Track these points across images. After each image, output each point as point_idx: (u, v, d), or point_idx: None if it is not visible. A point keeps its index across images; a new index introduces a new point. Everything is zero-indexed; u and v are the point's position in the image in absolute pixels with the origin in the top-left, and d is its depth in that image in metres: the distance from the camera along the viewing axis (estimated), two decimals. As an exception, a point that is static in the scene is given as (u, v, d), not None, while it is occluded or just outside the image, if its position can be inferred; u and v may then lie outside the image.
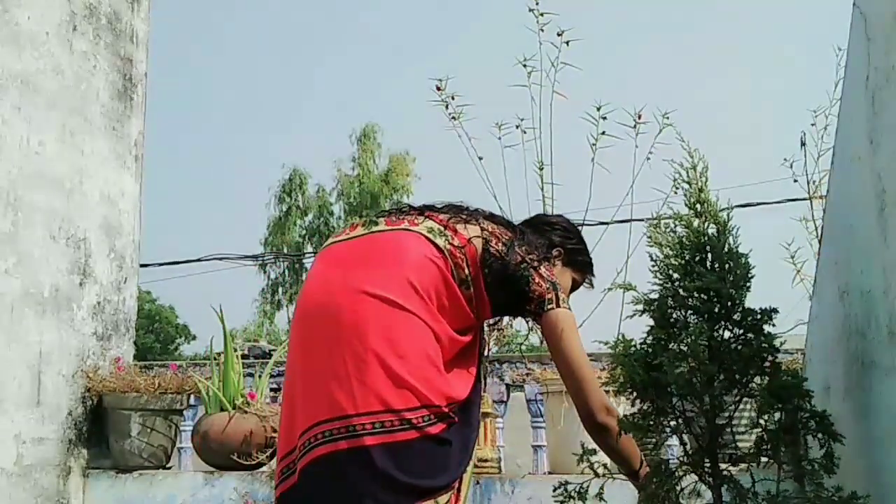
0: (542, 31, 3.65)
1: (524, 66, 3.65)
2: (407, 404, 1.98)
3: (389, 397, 1.97)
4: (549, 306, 2.18)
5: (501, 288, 2.18)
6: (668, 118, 3.45)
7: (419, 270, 2.09)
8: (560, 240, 2.40)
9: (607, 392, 3.13)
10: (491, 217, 2.31)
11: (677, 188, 2.22)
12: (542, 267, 2.22)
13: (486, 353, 2.34)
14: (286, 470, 2.07)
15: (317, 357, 2.05)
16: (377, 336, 2.00)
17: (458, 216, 2.25)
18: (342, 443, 1.97)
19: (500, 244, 2.20)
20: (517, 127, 3.69)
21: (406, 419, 1.97)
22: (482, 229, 2.22)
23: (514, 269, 2.17)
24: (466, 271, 2.15)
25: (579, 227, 2.53)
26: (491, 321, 2.43)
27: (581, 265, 2.47)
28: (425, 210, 2.26)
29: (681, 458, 2.17)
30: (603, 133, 3.61)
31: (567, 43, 3.64)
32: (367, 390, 1.98)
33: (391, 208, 2.35)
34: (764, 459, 2.13)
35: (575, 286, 2.48)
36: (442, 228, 2.18)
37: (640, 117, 3.58)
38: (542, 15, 3.65)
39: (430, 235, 2.15)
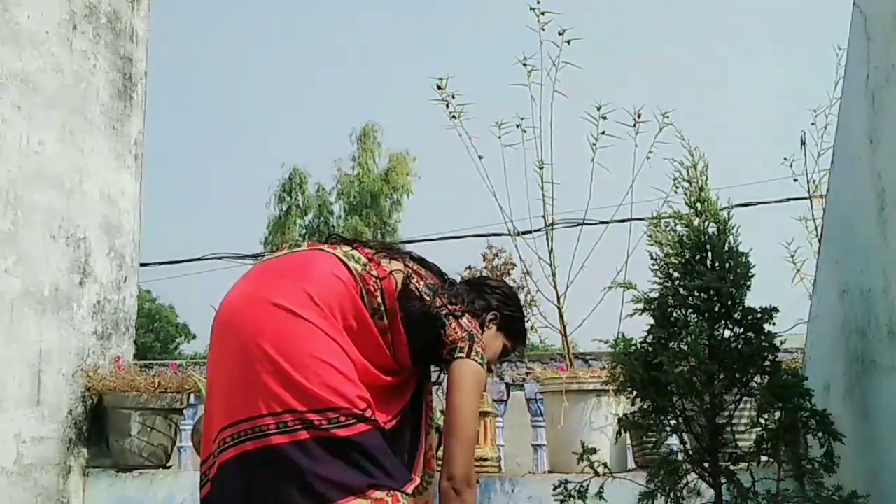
0: (543, 30, 3.65)
1: (524, 65, 3.65)
2: (310, 406, 1.99)
3: (289, 399, 2.00)
4: (460, 355, 2.14)
5: (417, 328, 2.17)
6: (667, 117, 3.44)
7: (320, 284, 2.11)
8: (497, 304, 2.37)
9: (607, 391, 3.15)
10: (421, 261, 2.32)
11: (677, 187, 2.23)
12: (464, 318, 2.21)
13: (429, 417, 2.29)
14: (203, 477, 2.15)
15: (225, 366, 2.11)
16: (273, 343, 2.03)
17: (384, 252, 2.27)
18: (248, 444, 2.01)
19: (422, 283, 2.20)
20: (517, 126, 3.68)
21: (307, 420, 1.98)
22: (406, 266, 2.23)
23: (431, 310, 2.17)
24: (380, 300, 2.14)
25: (519, 294, 2.54)
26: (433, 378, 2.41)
27: (515, 333, 2.42)
28: (354, 242, 2.29)
29: (682, 456, 2.17)
30: (603, 133, 3.61)
31: (568, 42, 3.63)
32: (269, 393, 2.01)
33: (323, 237, 2.41)
34: (764, 458, 2.14)
35: (505, 353, 2.44)
36: (361, 257, 2.19)
37: (639, 116, 3.58)
38: (542, 14, 3.65)
39: (343, 258, 2.18)
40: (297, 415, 1.99)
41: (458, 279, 2.43)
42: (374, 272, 2.15)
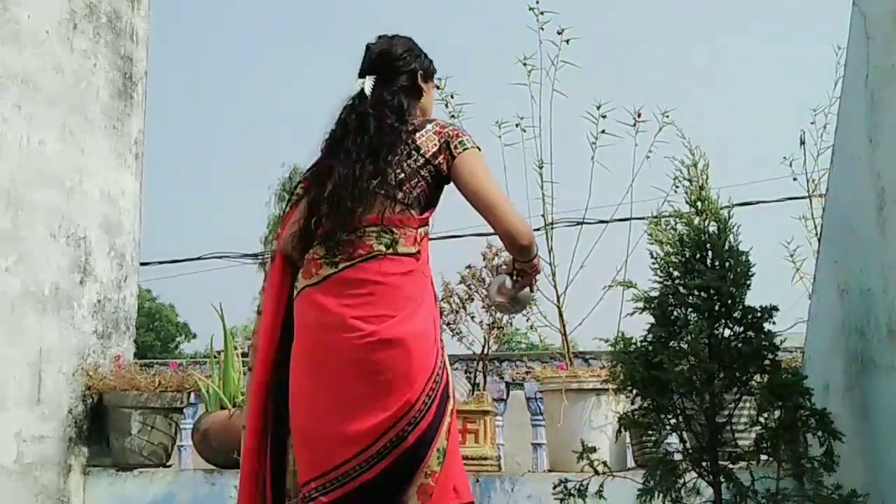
0: (542, 29, 3.65)
1: (524, 65, 3.65)
2: None
3: None
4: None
5: None
6: (667, 117, 3.45)
7: None
8: (417, 65, 2.35)
9: (607, 390, 3.15)
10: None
11: (678, 187, 2.23)
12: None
13: None
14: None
15: None
16: None
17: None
18: None
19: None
20: (517, 126, 3.69)
21: None
22: None
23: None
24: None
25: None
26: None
27: (433, 72, 2.42)
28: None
29: (681, 455, 2.18)
30: (603, 132, 3.61)
31: (567, 41, 3.63)
32: None
33: None
34: (763, 457, 2.14)
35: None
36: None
37: (639, 115, 3.58)
38: (542, 13, 3.65)
39: None
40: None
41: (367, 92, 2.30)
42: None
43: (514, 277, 2.27)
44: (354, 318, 2.06)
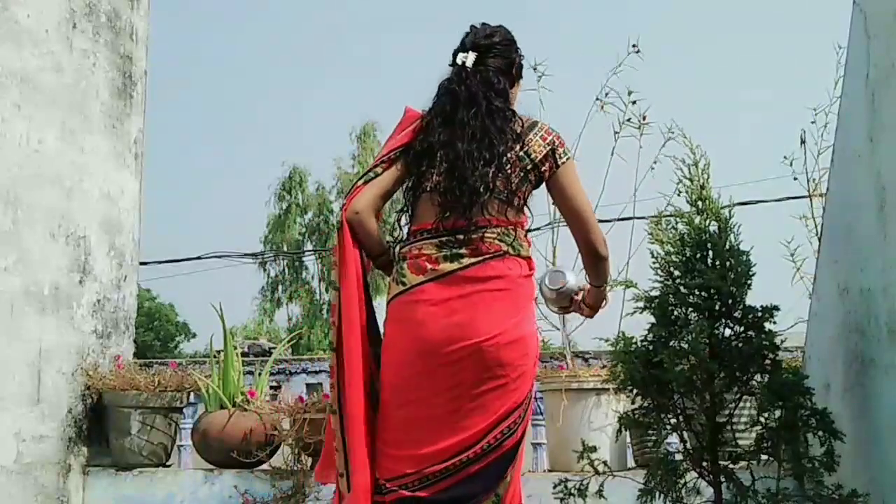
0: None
1: (535, 69, 3.63)
2: None
3: None
4: None
5: None
6: (672, 132, 3.45)
7: None
8: (516, 56, 2.34)
9: (607, 390, 3.15)
10: None
11: (680, 192, 2.23)
12: None
13: None
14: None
15: None
16: None
17: None
18: None
19: None
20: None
21: None
22: None
23: None
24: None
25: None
26: None
27: (522, 70, 2.41)
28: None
29: (681, 455, 2.17)
30: (629, 120, 3.57)
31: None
32: None
33: None
34: (764, 457, 2.14)
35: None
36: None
37: (644, 118, 3.59)
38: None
39: None
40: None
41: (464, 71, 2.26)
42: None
43: (579, 299, 2.34)
44: (483, 316, 2.07)
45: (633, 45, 3.65)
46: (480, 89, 2.18)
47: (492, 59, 2.26)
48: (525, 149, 2.17)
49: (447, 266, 2.10)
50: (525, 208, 2.22)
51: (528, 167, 2.17)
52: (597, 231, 2.20)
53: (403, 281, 2.15)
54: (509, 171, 2.14)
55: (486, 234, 2.12)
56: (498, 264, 2.11)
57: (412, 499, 2.06)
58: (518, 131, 2.18)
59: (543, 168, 2.18)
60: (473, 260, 2.10)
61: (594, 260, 2.22)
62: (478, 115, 2.15)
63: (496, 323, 2.07)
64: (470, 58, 2.23)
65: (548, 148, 2.19)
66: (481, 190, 2.10)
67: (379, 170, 2.24)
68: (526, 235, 2.22)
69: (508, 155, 2.15)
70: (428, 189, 2.17)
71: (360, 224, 2.18)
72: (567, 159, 2.21)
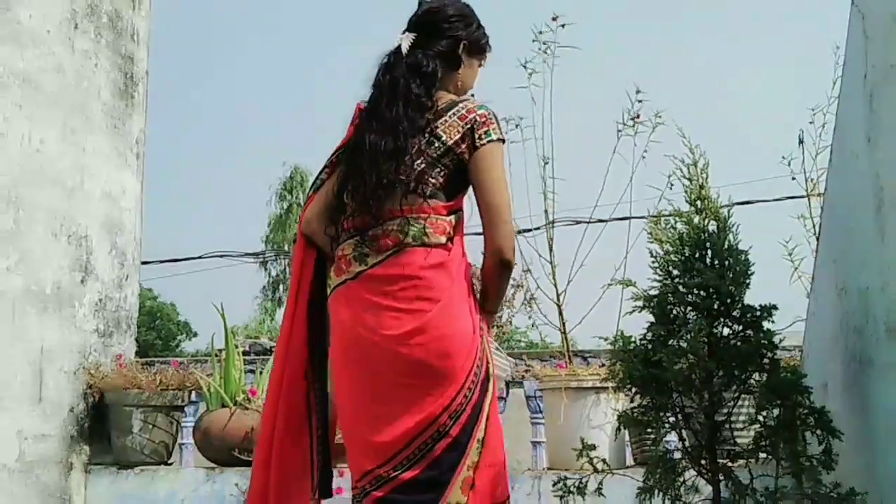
0: (553, 31, 3.65)
1: (524, 67, 3.64)
2: None
3: None
4: None
5: None
6: (660, 117, 3.46)
7: None
8: (462, 33, 2.19)
9: (606, 389, 3.16)
10: None
11: (672, 185, 2.23)
12: None
13: None
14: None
15: None
16: None
17: None
18: None
19: None
20: (516, 126, 3.69)
21: None
22: None
23: None
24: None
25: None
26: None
27: (481, 48, 2.26)
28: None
29: (680, 454, 2.18)
30: (638, 116, 3.57)
31: (563, 26, 3.63)
32: None
33: None
34: (762, 455, 2.14)
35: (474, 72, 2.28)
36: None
37: (638, 116, 3.59)
38: (555, 19, 3.65)
39: None
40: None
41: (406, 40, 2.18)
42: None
43: None
44: (389, 315, 2.00)
45: (553, 19, 3.62)
46: (404, 76, 2.08)
47: (433, 40, 2.15)
48: (435, 131, 2.05)
49: (356, 267, 2.06)
50: (444, 194, 2.07)
51: (440, 150, 2.04)
52: (508, 231, 2.03)
53: (329, 283, 2.14)
54: (414, 159, 2.03)
55: (388, 228, 2.04)
56: (399, 259, 2.02)
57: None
58: (435, 116, 2.06)
59: (460, 149, 2.04)
60: (378, 258, 2.04)
61: (499, 269, 2.05)
62: (393, 105, 2.05)
63: (401, 320, 1.99)
64: (405, 41, 2.13)
65: (465, 127, 2.05)
66: (381, 183, 2.01)
67: (324, 175, 2.21)
68: (454, 223, 2.08)
69: (412, 141, 2.03)
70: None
71: (314, 234, 2.19)
72: (489, 141, 2.04)
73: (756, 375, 2.14)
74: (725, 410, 2.15)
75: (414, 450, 1.98)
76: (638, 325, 2.26)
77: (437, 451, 1.97)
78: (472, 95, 2.22)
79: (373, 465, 2.00)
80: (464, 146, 2.06)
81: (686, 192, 2.21)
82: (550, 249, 3.64)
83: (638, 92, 3.62)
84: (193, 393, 3.82)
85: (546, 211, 3.70)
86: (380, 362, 2.01)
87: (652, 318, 2.17)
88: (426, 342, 1.99)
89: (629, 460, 3.27)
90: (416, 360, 1.98)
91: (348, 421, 2.09)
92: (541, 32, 3.63)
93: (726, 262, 2.13)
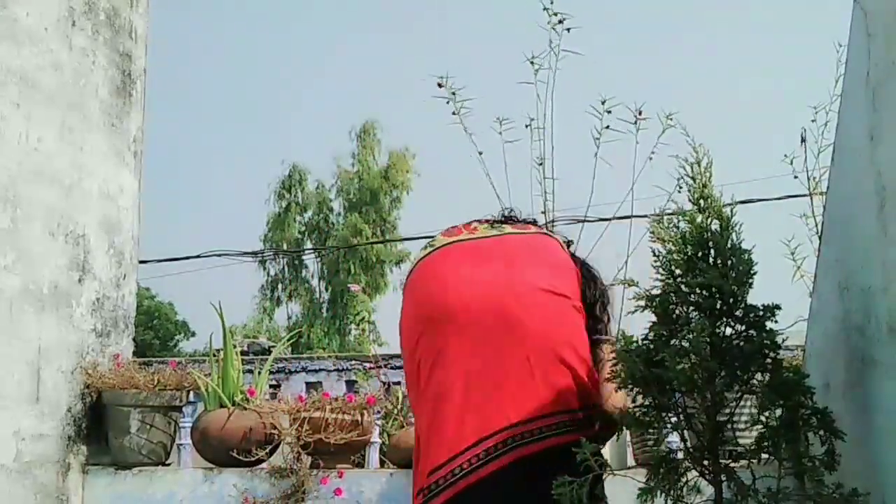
0: (554, 28, 3.64)
1: (532, 63, 3.63)
2: (581, 404, 2.06)
3: (573, 399, 2.03)
4: (607, 336, 2.25)
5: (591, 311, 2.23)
6: (671, 119, 3.44)
7: (570, 271, 2.19)
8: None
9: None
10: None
11: (681, 188, 2.22)
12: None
13: None
14: (453, 474, 2.00)
15: (489, 357, 2.01)
16: (560, 335, 2.05)
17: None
18: (533, 446, 1.99)
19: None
20: (526, 126, 3.68)
21: (579, 420, 2.04)
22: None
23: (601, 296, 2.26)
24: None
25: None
26: None
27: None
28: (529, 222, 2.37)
29: (682, 454, 2.17)
30: (607, 127, 3.60)
31: (568, 30, 3.62)
32: (550, 391, 2.00)
33: (504, 217, 2.37)
34: (765, 456, 2.13)
35: None
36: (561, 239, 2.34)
37: (640, 114, 3.58)
38: (555, 15, 3.64)
39: (561, 242, 2.27)
40: (572, 415, 2.03)
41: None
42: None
43: None
44: None
45: (560, 22, 3.62)
46: None
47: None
48: None
49: None
50: None
51: None
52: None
53: None
54: None
55: None
56: None
57: None
58: None
59: None
60: None
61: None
62: None
63: None
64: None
65: None
66: None
67: None
68: None
69: None
70: None
71: None
72: None
73: (758, 375, 2.12)
74: (728, 411, 2.14)
75: None
76: (639, 324, 2.25)
77: None
78: None
79: None
80: None
81: (689, 191, 2.19)
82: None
83: (604, 103, 3.61)
84: (191, 393, 3.81)
85: (545, 212, 3.69)
86: None
87: (654, 318, 2.15)
88: None
89: (630, 461, 3.25)
90: None
91: None
92: (556, 19, 3.61)
93: (729, 262, 2.11)
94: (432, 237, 2.26)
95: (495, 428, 1.98)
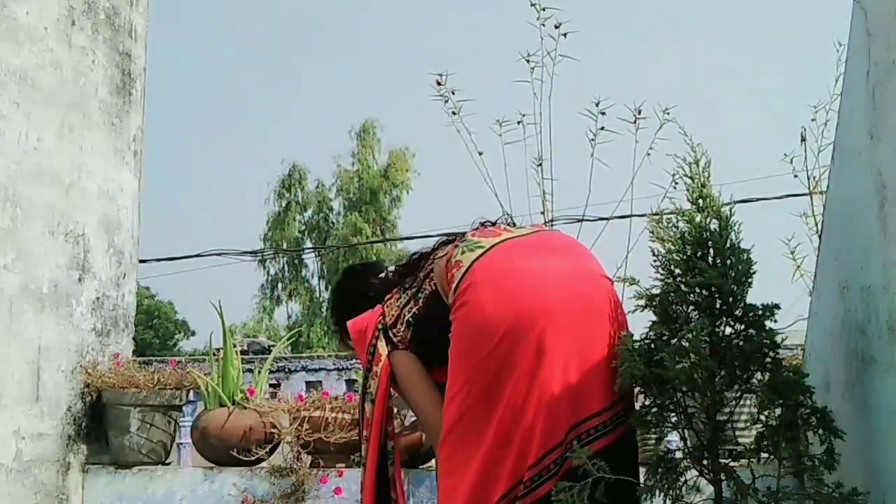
0: (544, 25, 3.64)
1: (527, 61, 3.63)
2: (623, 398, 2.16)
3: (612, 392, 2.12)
4: None
5: None
6: (668, 114, 3.45)
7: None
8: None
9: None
10: None
11: (676, 184, 2.22)
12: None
13: None
14: (553, 466, 2.05)
15: (580, 347, 2.10)
16: (622, 316, 2.18)
17: None
18: (619, 430, 2.11)
19: None
20: (518, 123, 3.68)
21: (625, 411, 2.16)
22: None
23: None
24: None
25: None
26: None
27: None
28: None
29: (681, 453, 2.17)
30: (602, 128, 3.61)
31: (565, 35, 3.62)
32: (610, 382, 2.09)
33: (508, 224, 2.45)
34: (764, 455, 2.13)
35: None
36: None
37: (639, 112, 3.58)
38: (543, 10, 3.64)
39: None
40: (621, 407, 2.14)
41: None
42: None
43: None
44: None
45: (556, 27, 3.63)
46: None
47: None
48: None
49: None
50: None
51: None
52: None
53: None
54: None
55: None
56: None
57: None
58: None
59: None
60: None
61: None
62: None
63: None
64: None
65: None
66: None
67: None
68: None
69: None
70: None
71: None
72: None
73: (758, 375, 2.12)
74: (727, 410, 2.14)
75: None
76: (639, 324, 2.25)
77: None
78: None
79: None
80: None
81: (688, 190, 2.19)
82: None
83: (598, 104, 3.62)
84: (191, 392, 3.81)
85: (543, 212, 3.69)
86: None
87: (654, 317, 2.15)
88: None
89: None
90: None
91: None
92: (553, 23, 3.62)
93: (728, 261, 2.11)
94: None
95: (585, 416, 2.08)
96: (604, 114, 3.62)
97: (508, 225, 2.38)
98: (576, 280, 2.14)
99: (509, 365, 2.04)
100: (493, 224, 2.36)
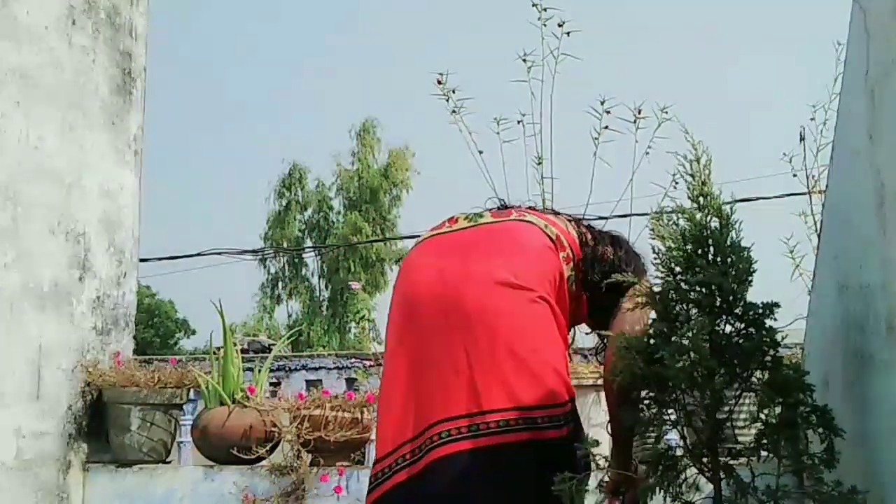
0: (545, 25, 3.65)
1: (524, 61, 3.64)
2: (539, 402, 1.98)
3: (519, 393, 1.96)
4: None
5: (597, 292, 2.19)
6: (666, 113, 3.45)
7: (542, 259, 2.12)
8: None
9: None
10: (577, 220, 2.36)
11: (677, 183, 2.22)
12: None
13: None
14: (390, 468, 2.00)
15: (431, 350, 2.00)
16: (508, 327, 1.98)
17: (550, 214, 2.32)
18: (465, 443, 1.93)
19: (601, 247, 2.27)
20: (518, 122, 3.68)
21: (532, 418, 1.96)
22: (579, 227, 2.28)
23: (620, 270, 2.20)
24: (572, 267, 2.18)
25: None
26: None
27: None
28: (528, 208, 2.31)
29: (681, 451, 2.17)
30: (606, 128, 3.61)
31: (568, 34, 3.63)
32: (494, 385, 1.95)
33: (493, 206, 2.35)
34: (764, 453, 2.13)
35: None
36: (548, 224, 2.21)
37: (640, 112, 3.59)
38: (545, 10, 3.65)
39: (544, 229, 2.18)
40: (523, 412, 1.94)
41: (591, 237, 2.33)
42: (564, 239, 2.19)
43: None
44: None
45: (559, 25, 3.63)
46: None
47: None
48: None
49: None
50: None
51: None
52: None
53: None
54: None
55: None
56: None
57: None
58: None
59: None
60: None
61: None
62: None
63: None
64: None
65: None
66: None
67: None
68: None
69: None
70: None
71: None
72: None
73: (758, 373, 2.12)
74: (727, 408, 2.14)
75: None
76: (638, 322, 2.24)
77: None
78: None
79: None
80: None
81: (688, 188, 2.20)
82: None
83: (603, 103, 3.62)
84: (192, 391, 3.81)
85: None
86: None
87: (654, 315, 2.16)
88: None
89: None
90: None
91: None
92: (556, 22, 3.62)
93: (728, 260, 2.12)
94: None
95: (430, 422, 1.97)
96: (608, 112, 3.62)
97: (487, 211, 2.30)
98: (444, 287, 2.02)
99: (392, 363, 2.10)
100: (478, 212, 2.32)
